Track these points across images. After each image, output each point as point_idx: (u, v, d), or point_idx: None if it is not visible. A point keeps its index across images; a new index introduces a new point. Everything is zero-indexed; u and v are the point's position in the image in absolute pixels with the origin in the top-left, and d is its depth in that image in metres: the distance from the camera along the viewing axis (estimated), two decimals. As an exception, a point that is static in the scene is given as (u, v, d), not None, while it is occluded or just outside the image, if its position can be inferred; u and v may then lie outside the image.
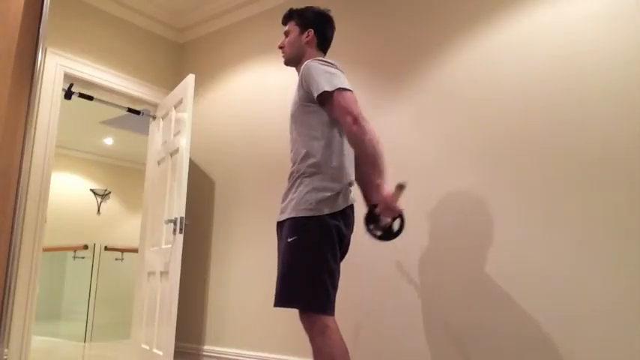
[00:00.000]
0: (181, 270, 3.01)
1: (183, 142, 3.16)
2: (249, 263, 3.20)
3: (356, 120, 1.65)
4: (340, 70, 1.78)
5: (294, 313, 1.69)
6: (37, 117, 3.06)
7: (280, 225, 1.78)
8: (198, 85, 3.64)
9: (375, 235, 1.73)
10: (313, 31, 1.93)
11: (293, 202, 1.70)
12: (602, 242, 2.00)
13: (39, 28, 2.06)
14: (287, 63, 1.98)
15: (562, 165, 2.14)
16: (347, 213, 1.72)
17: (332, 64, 1.78)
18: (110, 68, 3.52)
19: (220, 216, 3.45)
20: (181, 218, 3.05)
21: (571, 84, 2.16)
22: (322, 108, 1.74)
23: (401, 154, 2.61)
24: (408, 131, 2.63)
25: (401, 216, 1.69)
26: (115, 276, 5.18)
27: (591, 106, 2.10)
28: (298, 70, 1.88)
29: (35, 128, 3.05)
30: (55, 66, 3.21)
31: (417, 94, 2.63)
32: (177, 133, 3.30)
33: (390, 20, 2.81)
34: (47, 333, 5.13)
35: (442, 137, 2.50)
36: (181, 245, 3.02)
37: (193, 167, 3.62)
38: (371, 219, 1.72)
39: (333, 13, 2.04)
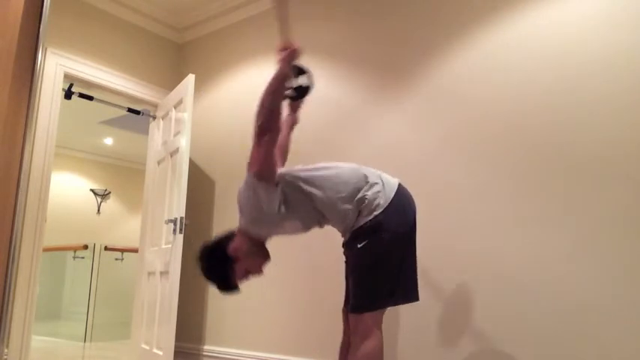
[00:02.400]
0: (181, 270, 3.01)
1: (183, 142, 3.16)
2: (249, 263, 3.19)
3: (256, 139, 1.65)
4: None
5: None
6: (37, 117, 3.06)
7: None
8: (198, 85, 3.64)
9: (291, 96, 1.84)
10: (227, 248, 1.76)
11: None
12: (599, 240, 2.00)
13: (39, 28, 2.06)
14: (269, 255, 1.84)
15: (560, 163, 2.13)
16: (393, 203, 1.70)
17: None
18: (110, 68, 3.52)
19: (220, 216, 3.45)
20: (181, 218, 3.05)
21: (570, 83, 2.16)
22: (277, 184, 1.70)
23: (401, 153, 2.61)
24: (407, 130, 2.63)
25: (299, 67, 1.80)
26: (115, 276, 5.18)
27: (590, 105, 2.10)
28: (276, 230, 1.81)
29: (35, 128, 3.05)
30: (55, 66, 3.20)
31: (416, 93, 2.63)
32: (177, 133, 3.30)
33: (389, 21, 2.81)
34: (47, 333, 5.13)
35: (442, 136, 2.50)
36: (181, 245, 3.02)
37: (193, 167, 3.62)
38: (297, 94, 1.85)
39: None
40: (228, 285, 1.79)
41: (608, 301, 1.95)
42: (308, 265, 2.87)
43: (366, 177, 1.72)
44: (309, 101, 3.09)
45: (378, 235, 1.64)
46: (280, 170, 1.78)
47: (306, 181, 1.71)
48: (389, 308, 1.72)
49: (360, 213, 1.68)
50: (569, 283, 2.04)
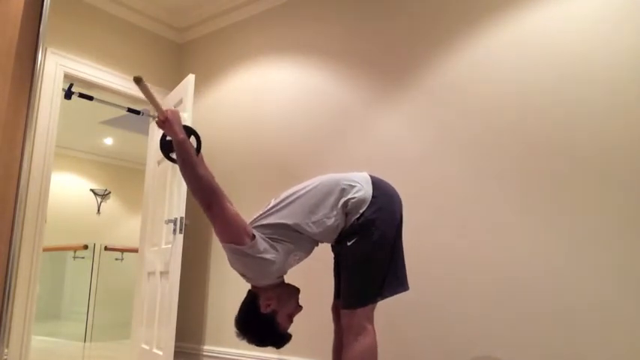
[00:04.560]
0: (181, 270, 3.01)
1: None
2: (249, 263, 3.19)
3: (207, 210, 1.64)
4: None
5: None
6: (37, 117, 3.06)
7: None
8: (198, 85, 3.64)
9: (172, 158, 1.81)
10: (259, 308, 1.74)
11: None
12: (598, 238, 2.00)
13: (39, 28, 2.06)
14: (298, 291, 1.83)
15: (560, 163, 2.14)
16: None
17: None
18: (110, 68, 3.52)
19: (220, 216, 3.44)
20: (181, 218, 3.05)
21: (570, 83, 2.16)
22: (253, 238, 1.67)
23: (401, 152, 2.61)
24: (408, 130, 2.63)
25: (189, 129, 1.79)
26: (115, 276, 5.18)
27: (590, 104, 2.10)
28: (282, 275, 1.79)
29: (35, 128, 3.05)
30: (55, 66, 3.20)
31: (417, 93, 2.63)
32: (177, 133, 3.30)
33: (390, 22, 2.81)
34: (47, 333, 5.13)
35: (442, 136, 2.50)
36: (181, 245, 3.02)
37: (193, 167, 3.61)
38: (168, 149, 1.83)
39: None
40: (281, 339, 1.78)
41: (607, 296, 1.95)
42: (306, 265, 2.87)
43: (339, 184, 1.72)
44: (309, 101, 3.10)
45: (367, 232, 1.65)
46: (261, 219, 1.75)
47: (282, 213, 1.70)
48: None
49: (347, 215, 1.70)
50: (568, 281, 2.04)
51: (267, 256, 1.64)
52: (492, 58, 2.40)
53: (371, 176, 1.77)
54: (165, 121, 1.64)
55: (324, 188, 1.72)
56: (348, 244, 1.67)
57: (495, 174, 2.31)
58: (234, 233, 1.63)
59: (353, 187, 1.71)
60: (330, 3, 3.10)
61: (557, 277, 2.07)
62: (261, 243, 1.64)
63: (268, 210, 1.75)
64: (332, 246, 1.83)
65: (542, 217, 2.15)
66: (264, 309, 1.72)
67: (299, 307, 1.79)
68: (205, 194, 1.61)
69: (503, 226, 2.24)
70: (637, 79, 2.01)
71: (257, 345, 1.78)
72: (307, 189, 1.74)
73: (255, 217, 1.78)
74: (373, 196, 1.69)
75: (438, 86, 2.56)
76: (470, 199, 2.36)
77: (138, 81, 1.55)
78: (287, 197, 1.75)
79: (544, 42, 2.26)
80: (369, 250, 1.65)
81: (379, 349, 1.65)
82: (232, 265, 1.72)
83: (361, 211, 1.66)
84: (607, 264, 1.97)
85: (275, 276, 1.73)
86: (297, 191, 1.76)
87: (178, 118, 1.68)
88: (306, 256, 1.80)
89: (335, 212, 1.69)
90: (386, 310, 2.20)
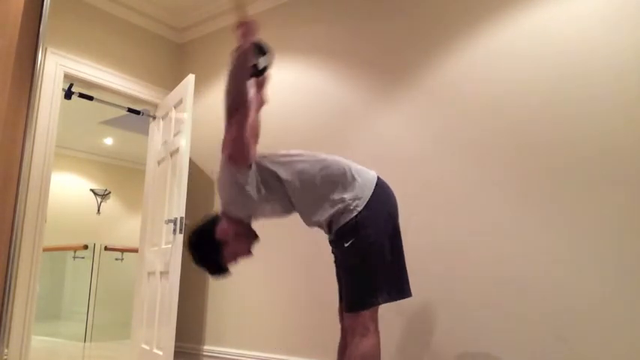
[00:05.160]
0: (181, 270, 3.01)
1: (183, 142, 3.16)
2: (249, 263, 3.19)
3: (227, 122, 1.64)
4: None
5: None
6: (37, 117, 3.05)
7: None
8: (198, 85, 3.64)
9: (258, 73, 1.84)
10: (215, 233, 1.75)
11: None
12: (599, 238, 2.00)
13: (39, 28, 2.06)
14: (257, 236, 1.85)
15: (560, 162, 2.14)
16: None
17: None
18: (110, 68, 3.52)
19: (220, 216, 3.44)
20: (181, 218, 3.05)
21: (570, 83, 2.17)
22: (250, 167, 1.69)
23: (401, 152, 2.61)
24: (407, 129, 2.63)
25: (260, 45, 1.79)
26: (115, 276, 5.18)
27: (589, 103, 2.10)
28: (255, 213, 1.80)
29: (35, 128, 3.05)
30: (55, 66, 3.20)
31: (417, 93, 2.63)
32: (177, 133, 3.30)
33: (390, 22, 2.81)
34: (47, 333, 5.13)
35: (442, 135, 2.50)
36: (181, 245, 3.02)
37: (193, 167, 3.62)
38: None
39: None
40: (218, 269, 1.80)
41: (609, 297, 1.95)
42: (308, 265, 2.87)
43: (346, 172, 1.71)
44: (309, 101, 3.10)
45: (363, 232, 1.63)
46: (258, 152, 1.77)
47: (285, 167, 1.71)
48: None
49: (339, 211, 1.66)
50: (568, 281, 2.04)
51: (249, 189, 1.65)
52: (492, 58, 2.40)
53: (378, 177, 1.75)
54: (242, 25, 1.63)
55: (333, 173, 1.71)
56: (345, 245, 1.66)
57: (495, 174, 2.31)
58: (238, 150, 1.64)
59: (352, 182, 1.69)
60: (330, 3, 3.10)
61: (558, 277, 2.07)
62: (252, 177, 1.65)
63: (277, 156, 1.76)
64: (331, 247, 1.82)
65: (542, 216, 2.15)
66: (218, 234, 1.73)
67: (249, 253, 1.81)
68: (236, 101, 1.62)
69: (503, 226, 2.24)
70: (637, 79, 2.01)
71: (195, 263, 1.78)
72: (321, 163, 1.73)
73: (264, 153, 1.78)
74: (372, 198, 1.67)
75: (438, 86, 2.56)
76: (469, 199, 2.36)
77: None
78: (298, 156, 1.76)
79: (544, 42, 2.26)
80: (367, 250, 1.63)
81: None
82: (217, 179, 1.73)
83: (357, 211, 1.64)
84: (607, 264, 1.97)
85: (244, 213, 1.74)
86: (309, 157, 1.76)
87: (255, 30, 1.67)
88: (278, 216, 1.82)
89: (327, 202, 1.68)
90: (385, 310, 2.20)
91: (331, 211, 1.68)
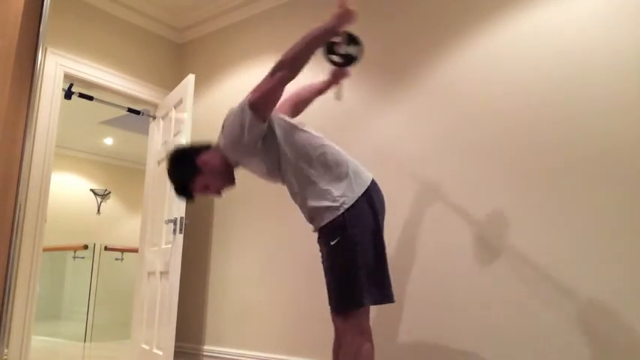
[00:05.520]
0: (181, 270, 3.01)
1: (183, 142, 3.16)
2: (249, 263, 3.20)
3: (274, 72, 1.65)
4: None
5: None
6: (37, 117, 3.05)
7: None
8: (198, 85, 3.64)
9: (336, 62, 1.84)
10: (200, 158, 1.77)
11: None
12: (599, 238, 2.00)
13: (39, 28, 2.06)
14: (234, 181, 1.87)
15: (560, 162, 2.14)
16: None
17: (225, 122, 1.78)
18: (110, 68, 3.52)
19: (220, 216, 3.45)
20: (181, 218, 3.05)
21: (570, 82, 2.16)
22: (266, 122, 1.70)
23: (401, 152, 2.61)
24: (408, 129, 2.63)
25: (352, 36, 1.79)
26: (115, 276, 5.18)
27: (590, 103, 2.10)
28: (241, 161, 1.81)
29: (35, 128, 3.05)
30: (55, 66, 3.20)
31: (417, 92, 2.63)
32: (177, 133, 3.30)
33: (390, 22, 2.81)
34: (47, 333, 5.13)
35: (442, 135, 2.50)
36: (181, 245, 3.02)
37: (193, 167, 3.61)
38: (330, 49, 1.83)
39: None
40: (184, 191, 1.82)
41: (608, 300, 1.95)
42: (307, 265, 2.87)
43: (341, 165, 1.71)
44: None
45: (349, 231, 1.61)
46: (279, 115, 1.78)
47: (289, 134, 1.72)
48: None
49: (324, 207, 1.66)
50: (568, 282, 2.04)
51: (248, 138, 1.66)
52: (492, 58, 2.40)
53: (372, 180, 1.74)
54: (343, 9, 1.65)
55: (329, 160, 1.71)
56: (332, 243, 1.64)
57: (495, 174, 2.31)
58: (265, 101, 1.65)
59: (347, 179, 1.68)
60: (329, 3, 3.09)
61: (558, 277, 2.07)
62: (259, 130, 1.66)
63: (293, 123, 1.77)
64: (318, 245, 1.82)
65: (543, 217, 2.15)
66: (200, 160, 1.75)
67: (217, 193, 1.84)
68: (293, 61, 1.64)
69: (504, 226, 2.24)
70: (637, 79, 2.01)
71: (168, 175, 1.83)
72: (323, 148, 1.74)
73: (285, 118, 1.79)
74: (361, 199, 1.66)
75: (438, 86, 2.56)
76: (470, 199, 2.36)
77: None
78: (310, 133, 1.78)
79: (544, 42, 2.26)
80: (352, 252, 1.61)
81: (378, 349, 1.64)
82: (227, 114, 1.75)
83: (344, 208, 1.63)
84: (608, 264, 1.97)
85: (234, 156, 1.75)
86: (319, 138, 1.77)
87: (351, 20, 1.69)
88: (261, 175, 1.84)
89: (314, 188, 1.68)
90: (383, 309, 2.21)
91: (315, 202, 1.67)
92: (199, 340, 3.34)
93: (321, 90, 2.07)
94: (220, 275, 3.33)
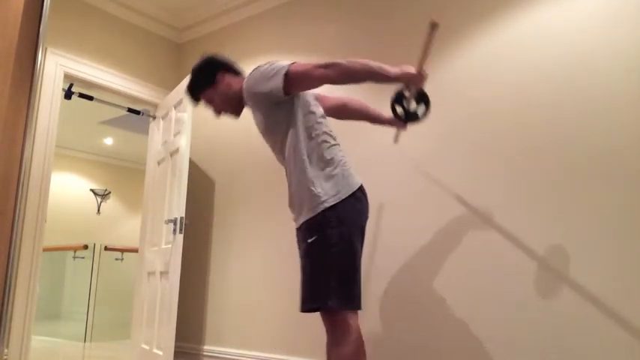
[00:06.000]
0: (181, 270, 3.01)
1: (183, 142, 3.16)
2: (249, 263, 3.20)
3: (325, 65, 1.63)
4: None
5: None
6: (37, 117, 3.06)
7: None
8: (198, 85, 3.64)
9: (397, 113, 1.83)
10: (220, 73, 1.85)
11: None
12: (599, 237, 2.00)
13: (39, 28, 2.06)
14: (239, 113, 1.90)
15: (561, 162, 2.14)
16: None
17: (261, 65, 1.77)
18: (110, 68, 3.52)
19: (220, 216, 3.45)
20: (181, 218, 3.05)
21: (570, 82, 2.16)
22: (291, 99, 1.71)
23: (401, 152, 2.61)
24: (408, 129, 2.62)
25: (425, 96, 1.79)
26: (115, 276, 5.18)
27: (591, 103, 2.10)
28: (249, 105, 1.82)
29: (35, 128, 3.05)
30: (55, 66, 3.20)
31: (417, 94, 2.63)
32: (177, 133, 3.30)
33: (391, 20, 2.81)
34: (47, 333, 5.13)
35: (442, 135, 2.50)
36: (181, 245, 3.02)
37: (193, 167, 3.62)
38: (398, 99, 1.82)
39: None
40: (192, 92, 1.90)
41: (608, 301, 1.95)
42: (308, 265, 2.87)
43: (334, 161, 1.71)
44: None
45: (328, 231, 1.61)
46: (310, 96, 1.79)
47: (301, 119, 1.72)
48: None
49: (307, 198, 1.66)
50: (569, 282, 2.04)
51: (263, 95, 1.70)
52: (492, 58, 2.40)
53: (361, 186, 1.74)
54: (418, 71, 1.66)
55: (324, 151, 1.72)
56: (309, 241, 1.64)
57: (495, 175, 2.31)
58: (300, 80, 1.65)
59: (334, 178, 1.68)
60: (329, 3, 3.10)
61: (559, 278, 2.07)
62: (275, 97, 1.67)
63: (312, 111, 1.77)
64: (297, 244, 1.81)
65: (543, 217, 2.15)
66: (218, 76, 1.84)
67: (217, 113, 1.90)
68: (339, 72, 1.63)
69: (504, 225, 2.24)
70: (638, 79, 2.01)
71: (191, 71, 1.90)
72: (326, 143, 1.75)
73: (313, 102, 1.80)
74: (346, 201, 1.65)
75: (438, 86, 2.56)
76: (470, 200, 2.36)
77: (435, 26, 1.52)
78: (327, 130, 1.79)
79: (544, 43, 2.26)
80: (326, 252, 1.60)
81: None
82: (266, 65, 1.72)
83: (324, 207, 1.62)
84: (609, 265, 1.97)
85: (247, 99, 1.77)
86: (328, 136, 1.78)
87: (419, 82, 1.71)
88: (257, 127, 1.84)
89: (302, 172, 1.68)
90: (383, 309, 2.21)
91: (299, 188, 1.69)
92: (199, 340, 3.34)
93: (373, 119, 2.08)
94: (220, 275, 3.33)
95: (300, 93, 1.74)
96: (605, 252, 1.98)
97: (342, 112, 2.05)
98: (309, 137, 1.72)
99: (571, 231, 2.07)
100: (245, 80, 1.77)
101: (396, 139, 2.19)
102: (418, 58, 1.65)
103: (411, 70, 1.66)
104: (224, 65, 1.88)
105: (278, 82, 1.64)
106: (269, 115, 1.74)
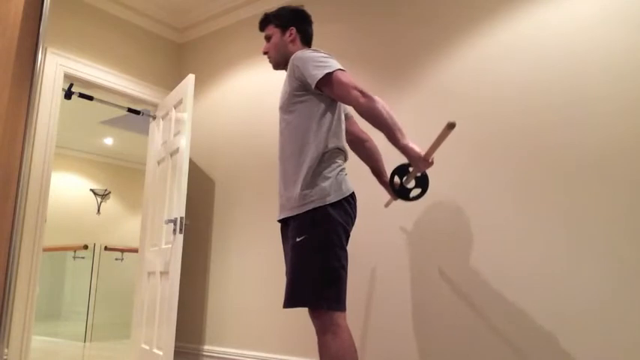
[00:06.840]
0: (181, 270, 3.01)
1: (183, 142, 3.16)
2: (249, 263, 3.20)
3: (363, 93, 1.68)
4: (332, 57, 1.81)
5: (293, 312, 1.70)
6: (37, 117, 3.06)
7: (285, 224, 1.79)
8: (198, 85, 3.64)
9: (393, 184, 1.83)
10: (295, 29, 1.94)
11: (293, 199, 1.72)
12: (600, 239, 2.00)
13: (39, 28, 2.06)
14: (276, 67, 1.99)
15: (561, 164, 2.14)
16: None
17: (323, 52, 1.80)
18: (110, 68, 3.52)
19: (220, 216, 3.45)
20: (181, 218, 3.05)
21: (570, 83, 2.16)
22: (321, 92, 1.74)
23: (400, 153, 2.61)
24: (407, 130, 2.62)
25: (425, 182, 1.81)
26: (115, 276, 5.19)
27: (591, 105, 2.10)
28: (287, 73, 1.86)
29: (35, 128, 3.05)
30: (55, 66, 3.21)
31: (417, 93, 2.63)
32: (177, 133, 3.30)
33: (391, 21, 2.81)
34: (47, 333, 5.13)
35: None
36: (181, 245, 3.02)
37: (193, 167, 3.62)
38: (400, 171, 1.83)
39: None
40: (264, 21, 2.05)
41: (608, 298, 1.95)
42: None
43: (333, 163, 1.73)
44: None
45: (316, 230, 1.63)
46: (340, 104, 1.83)
47: (318, 118, 1.76)
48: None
49: (298, 195, 1.68)
50: (570, 283, 2.04)
51: (297, 75, 1.76)
52: (492, 59, 2.40)
53: (353, 193, 1.76)
54: (425, 159, 1.68)
55: (324, 152, 1.74)
56: (297, 240, 1.65)
57: (495, 175, 2.31)
58: (336, 88, 1.70)
59: (329, 179, 1.69)
60: (329, 3, 3.10)
61: (560, 278, 2.07)
62: (304, 84, 1.74)
63: (336, 115, 1.82)
64: (282, 242, 1.83)
65: (544, 218, 2.15)
66: (290, 30, 1.95)
67: (265, 51, 2.01)
68: (370, 109, 1.69)
69: (505, 227, 2.24)
70: (638, 79, 2.01)
71: (277, 9, 2.04)
72: (332, 146, 1.79)
73: (342, 111, 1.87)
74: (336, 204, 1.66)
75: (438, 86, 2.56)
76: (470, 200, 2.36)
77: (451, 126, 1.56)
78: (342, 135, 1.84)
79: (544, 43, 2.26)
80: (313, 251, 1.62)
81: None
82: (317, 53, 1.79)
83: (315, 206, 1.64)
84: (610, 266, 1.97)
85: (293, 58, 1.82)
86: (340, 140, 1.83)
87: (420, 168, 1.72)
88: (280, 101, 1.89)
89: (298, 164, 1.71)
90: (382, 310, 2.20)
91: (291, 179, 1.71)
92: (199, 340, 3.34)
93: (376, 171, 2.07)
94: (220, 275, 3.34)
95: (330, 100, 1.77)
96: (606, 252, 1.98)
97: (358, 144, 2.06)
98: (322, 136, 1.74)
99: (574, 233, 2.07)
100: (300, 51, 1.81)
101: (386, 204, 2.23)
102: (430, 146, 1.66)
103: (418, 151, 1.67)
104: (304, 30, 1.96)
105: (319, 74, 1.69)
106: (294, 96, 1.78)
